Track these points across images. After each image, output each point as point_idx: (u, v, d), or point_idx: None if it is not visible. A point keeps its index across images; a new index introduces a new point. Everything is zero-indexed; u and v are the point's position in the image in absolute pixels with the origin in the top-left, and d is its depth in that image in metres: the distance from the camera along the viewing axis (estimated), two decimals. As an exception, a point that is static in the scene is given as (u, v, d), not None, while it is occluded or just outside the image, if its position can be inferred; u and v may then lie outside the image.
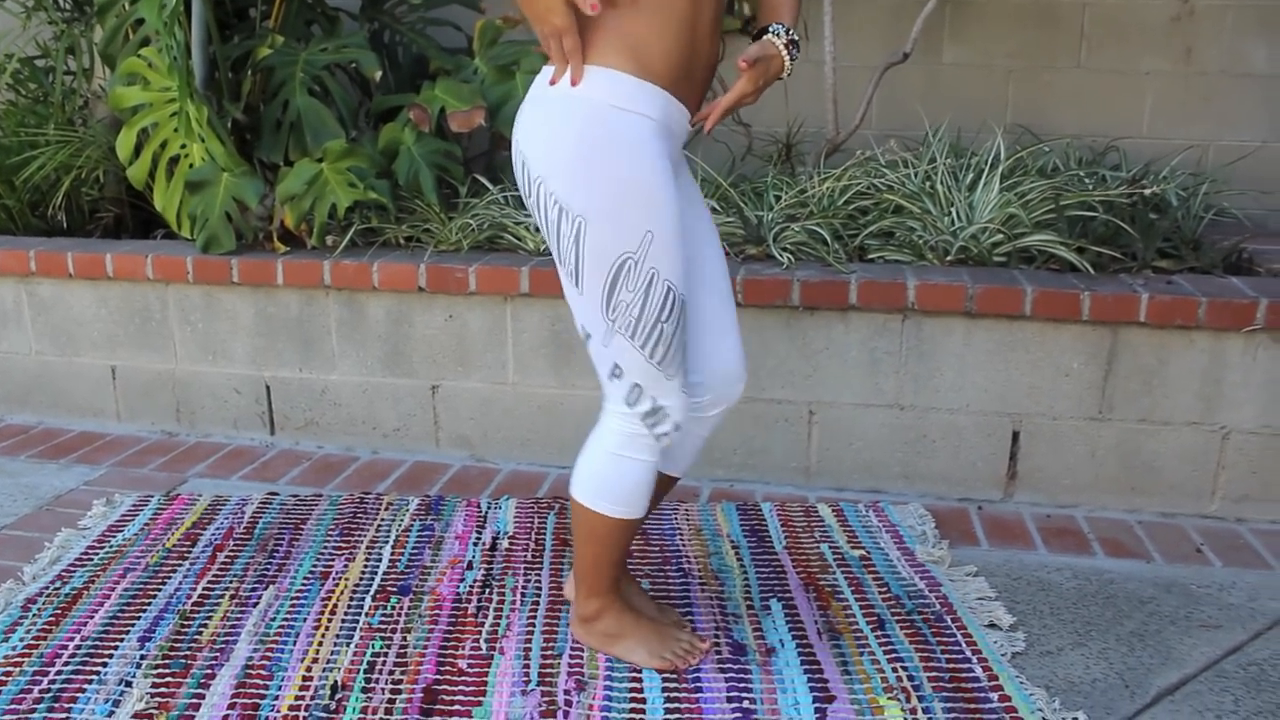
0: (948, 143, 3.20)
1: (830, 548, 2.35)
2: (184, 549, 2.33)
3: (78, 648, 1.97)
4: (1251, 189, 3.41)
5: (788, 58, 1.69)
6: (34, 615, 2.08)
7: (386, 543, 2.36)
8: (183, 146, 2.82)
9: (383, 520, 2.46)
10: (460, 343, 2.75)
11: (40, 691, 1.85)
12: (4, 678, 1.89)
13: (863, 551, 2.33)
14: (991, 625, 2.07)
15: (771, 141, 3.61)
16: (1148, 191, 2.95)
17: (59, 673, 1.90)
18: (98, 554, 2.31)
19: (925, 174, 2.96)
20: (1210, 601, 2.17)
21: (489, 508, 2.53)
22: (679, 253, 1.65)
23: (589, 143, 1.58)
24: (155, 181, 2.89)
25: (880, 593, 2.17)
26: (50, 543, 2.37)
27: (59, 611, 2.09)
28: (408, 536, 2.39)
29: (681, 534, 2.41)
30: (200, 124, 2.73)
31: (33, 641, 1.99)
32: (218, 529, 2.42)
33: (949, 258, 2.69)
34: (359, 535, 2.40)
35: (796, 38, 1.70)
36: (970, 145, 3.45)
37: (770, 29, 1.69)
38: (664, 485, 1.95)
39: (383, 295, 2.76)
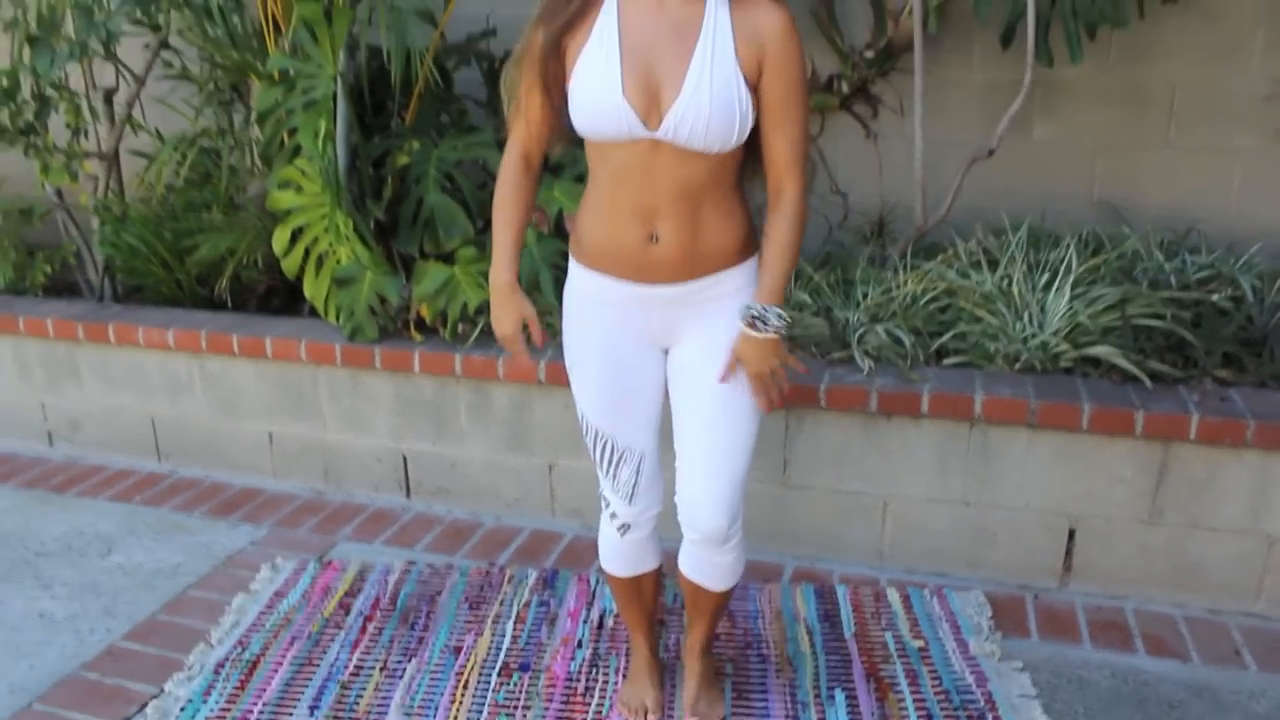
0: (1026, 239, 3.40)
1: (893, 636, 2.66)
2: (339, 618, 2.75)
3: (261, 713, 2.40)
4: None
5: (760, 334, 1.98)
6: (223, 679, 2.51)
7: (509, 618, 2.74)
8: (331, 245, 3.21)
9: (505, 595, 2.84)
10: (575, 430, 3.11)
11: (233, 756, 2.28)
12: (204, 741, 2.32)
13: (922, 643, 2.63)
14: (1031, 727, 2.36)
15: (865, 219, 3.87)
16: (1215, 298, 3.14)
17: (246, 738, 2.33)
18: (268, 620, 2.74)
19: (1004, 273, 3.19)
20: (1237, 709, 2.42)
21: (597, 583, 2.89)
22: (590, 392, 2.11)
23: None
24: (306, 273, 3.29)
25: (933, 685, 2.47)
26: (229, 606, 2.81)
27: (243, 677, 2.52)
28: (527, 612, 2.77)
29: (764, 617, 2.74)
30: (347, 230, 3.12)
31: (225, 705, 2.42)
32: (366, 599, 2.83)
33: (1018, 365, 2.94)
34: (485, 609, 2.78)
35: (758, 313, 1.98)
36: (1055, 227, 3.65)
37: (742, 313, 2.01)
38: (694, 593, 2.27)
39: (507, 385, 3.13)
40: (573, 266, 2.11)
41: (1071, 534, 2.86)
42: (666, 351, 2.13)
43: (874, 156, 3.94)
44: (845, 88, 3.87)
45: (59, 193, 4.05)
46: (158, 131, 4.00)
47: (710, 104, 1.84)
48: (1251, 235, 3.59)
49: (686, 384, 2.10)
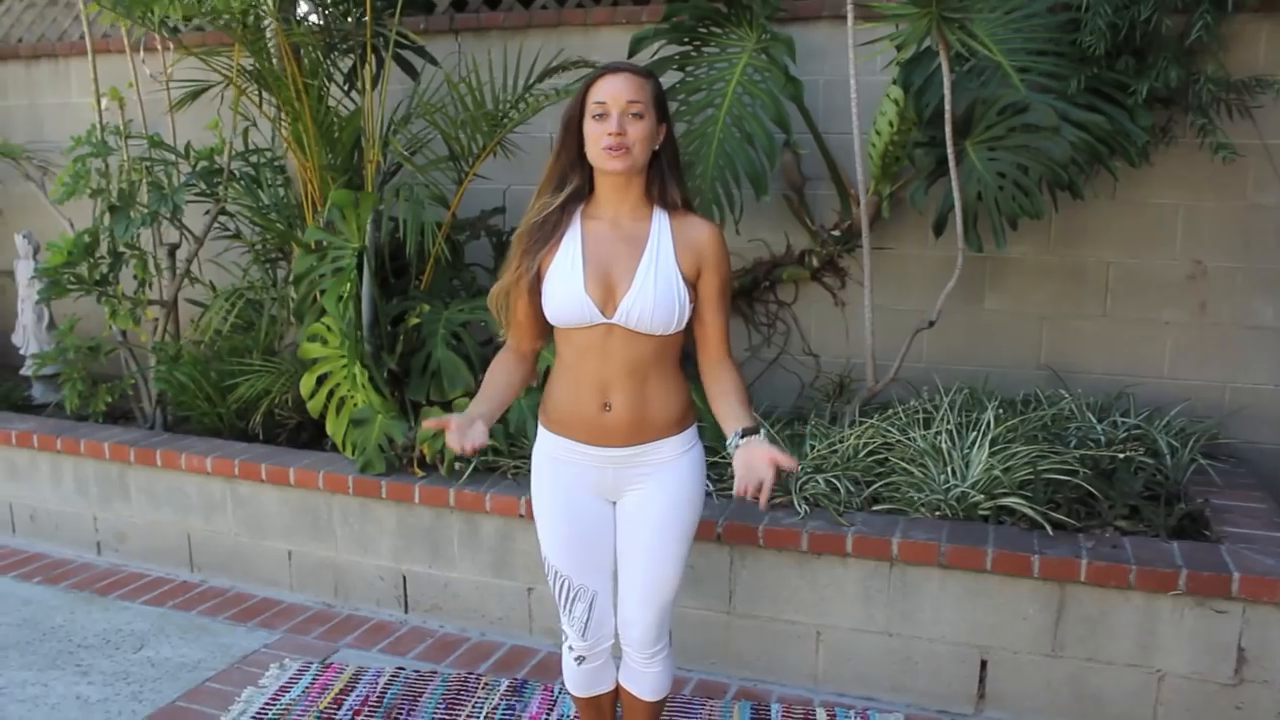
0: (961, 401, 3.83)
1: (817, 750, 3.01)
2: (331, 712, 3.15)
3: (255, 791, 2.80)
4: (1268, 427, 3.97)
5: (747, 444, 2.28)
6: (226, 762, 2.92)
7: (478, 718, 3.13)
8: (349, 391, 3.72)
9: (479, 698, 3.24)
10: (549, 556, 3.53)
11: (229, 825, 2.67)
12: (205, 811, 2.72)
13: (840, 756, 2.98)
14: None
15: (830, 379, 4.33)
16: (1122, 456, 3.53)
17: (241, 811, 2.72)
18: (271, 710, 3.16)
19: (937, 430, 3.61)
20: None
21: (559, 693, 3.28)
22: (552, 537, 2.49)
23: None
24: (328, 413, 3.79)
25: (844, 794, 2.82)
26: (239, 697, 3.24)
27: (243, 760, 2.92)
28: (495, 713, 3.16)
29: (703, 728, 3.11)
30: (363, 380, 3.63)
31: (225, 783, 2.83)
32: (357, 696, 3.24)
33: (938, 513, 3.34)
34: (459, 709, 3.17)
35: (744, 431, 2.29)
36: (1002, 389, 4.07)
37: (728, 444, 2.32)
38: (629, 703, 2.64)
39: (493, 517, 3.58)
40: (540, 432, 2.55)
41: (984, 664, 3.21)
42: (615, 504, 2.54)
43: (842, 322, 4.42)
44: (815, 261, 4.38)
45: (123, 333, 4.63)
46: (212, 284, 4.59)
47: (654, 295, 2.32)
48: (1181, 399, 3.99)
49: (628, 532, 2.50)
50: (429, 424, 2.36)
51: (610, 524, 2.53)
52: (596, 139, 2.30)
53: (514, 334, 2.51)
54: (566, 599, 2.52)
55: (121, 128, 4.52)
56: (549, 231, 2.40)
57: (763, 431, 2.34)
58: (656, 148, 2.36)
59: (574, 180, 2.40)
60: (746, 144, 3.80)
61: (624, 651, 2.58)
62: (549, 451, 2.51)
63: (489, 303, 2.51)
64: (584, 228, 2.40)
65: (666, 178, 2.39)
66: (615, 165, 2.30)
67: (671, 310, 2.34)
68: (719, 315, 2.43)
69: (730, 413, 2.39)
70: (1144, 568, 3.02)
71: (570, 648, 2.57)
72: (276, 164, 4.32)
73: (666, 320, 2.34)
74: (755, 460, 2.24)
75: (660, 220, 2.38)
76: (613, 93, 2.28)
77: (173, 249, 4.61)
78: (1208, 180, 3.92)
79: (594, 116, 2.30)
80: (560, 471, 2.49)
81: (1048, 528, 3.21)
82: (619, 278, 2.34)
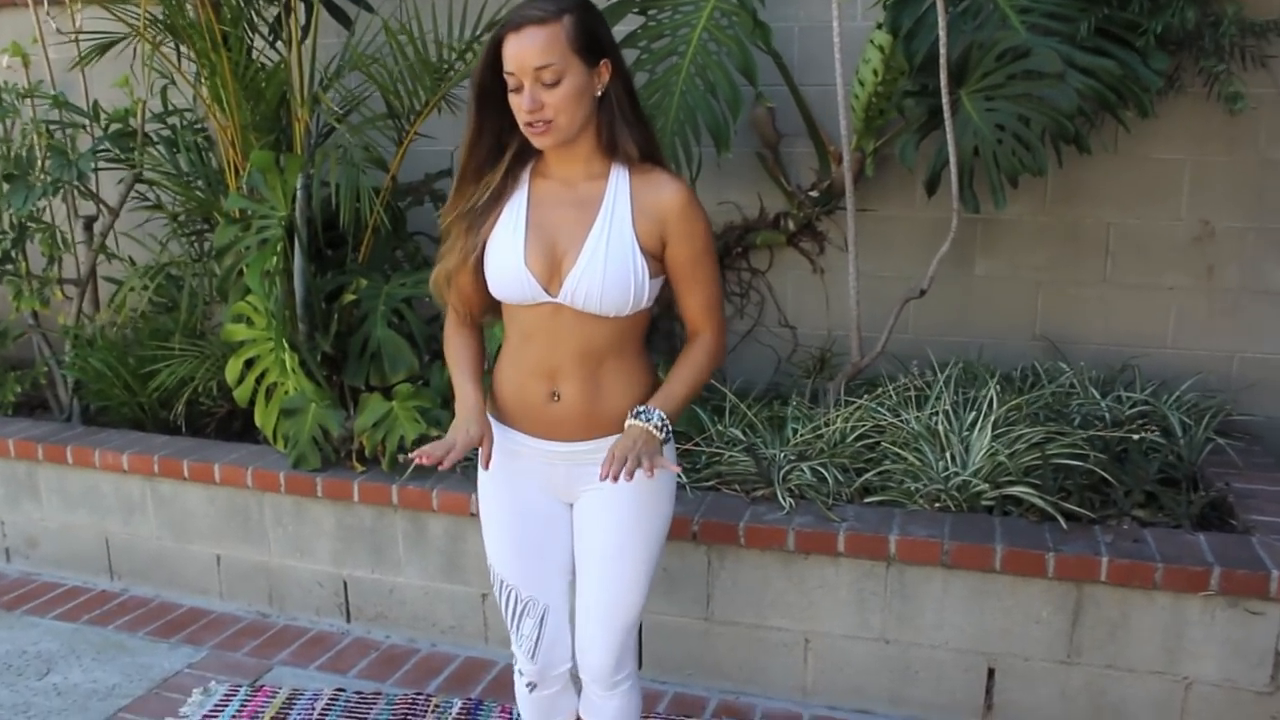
0: (956, 377, 3.49)
1: (809, 776, 2.68)
2: (261, 746, 2.79)
3: (167, 846, 2.43)
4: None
5: (639, 421, 1.98)
6: (136, 810, 2.55)
7: (427, 748, 2.78)
8: (279, 378, 3.32)
9: (428, 724, 2.89)
10: (506, 559, 3.17)
11: None
12: None
13: (835, 783, 2.66)
14: None
15: (811, 352, 3.98)
16: (1136, 437, 3.21)
17: None
18: (192, 746, 2.79)
19: (931, 411, 3.27)
20: None
21: (518, 717, 2.92)
22: (498, 541, 2.19)
23: None
24: (256, 402, 3.40)
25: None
26: (155, 731, 2.87)
27: (156, 808, 2.56)
28: (446, 742, 2.81)
29: (681, 751, 2.77)
30: (293, 365, 3.24)
31: (133, 837, 2.46)
32: (290, 726, 2.88)
33: (937, 504, 3.00)
34: (406, 739, 2.82)
35: (644, 410, 1.99)
36: (997, 362, 3.74)
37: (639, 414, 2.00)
38: None
39: (441, 516, 3.21)
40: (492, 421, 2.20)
41: (991, 673, 2.89)
42: (571, 506, 2.20)
43: (822, 290, 4.06)
44: (792, 225, 4.01)
45: (34, 314, 4.20)
46: (131, 260, 4.15)
47: (604, 272, 1.97)
48: (1186, 371, 3.67)
49: (584, 538, 2.17)
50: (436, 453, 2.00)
51: (565, 527, 2.20)
52: (517, 110, 1.94)
53: (463, 308, 2.18)
54: (515, 614, 2.18)
55: (26, 87, 4.06)
56: (492, 199, 2.05)
57: (656, 418, 1.98)
58: (599, 92, 1.98)
59: (513, 144, 2.04)
60: (709, 95, 3.42)
61: (582, 681, 2.25)
62: (495, 442, 2.14)
63: (431, 287, 2.17)
64: (532, 187, 2.05)
65: (616, 124, 2.00)
66: (542, 143, 1.97)
67: (626, 290, 1.99)
68: (694, 289, 2.07)
69: (663, 384, 2.07)
70: (1171, 565, 2.70)
71: (520, 672, 2.24)
72: (197, 125, 3.89)
73: (620, 301, 1.99)
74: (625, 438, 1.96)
75: (619, 178, 2.02)
76: (518, 60, 1.90)
77: (89, 221, 4.17)
78: (1217, 133, 3.58)
79: (511, 89, 1.94)
80: (507, 466, 2.15)
81: (1060, 520, 2.89)
82: (566, 249, 2.00)
